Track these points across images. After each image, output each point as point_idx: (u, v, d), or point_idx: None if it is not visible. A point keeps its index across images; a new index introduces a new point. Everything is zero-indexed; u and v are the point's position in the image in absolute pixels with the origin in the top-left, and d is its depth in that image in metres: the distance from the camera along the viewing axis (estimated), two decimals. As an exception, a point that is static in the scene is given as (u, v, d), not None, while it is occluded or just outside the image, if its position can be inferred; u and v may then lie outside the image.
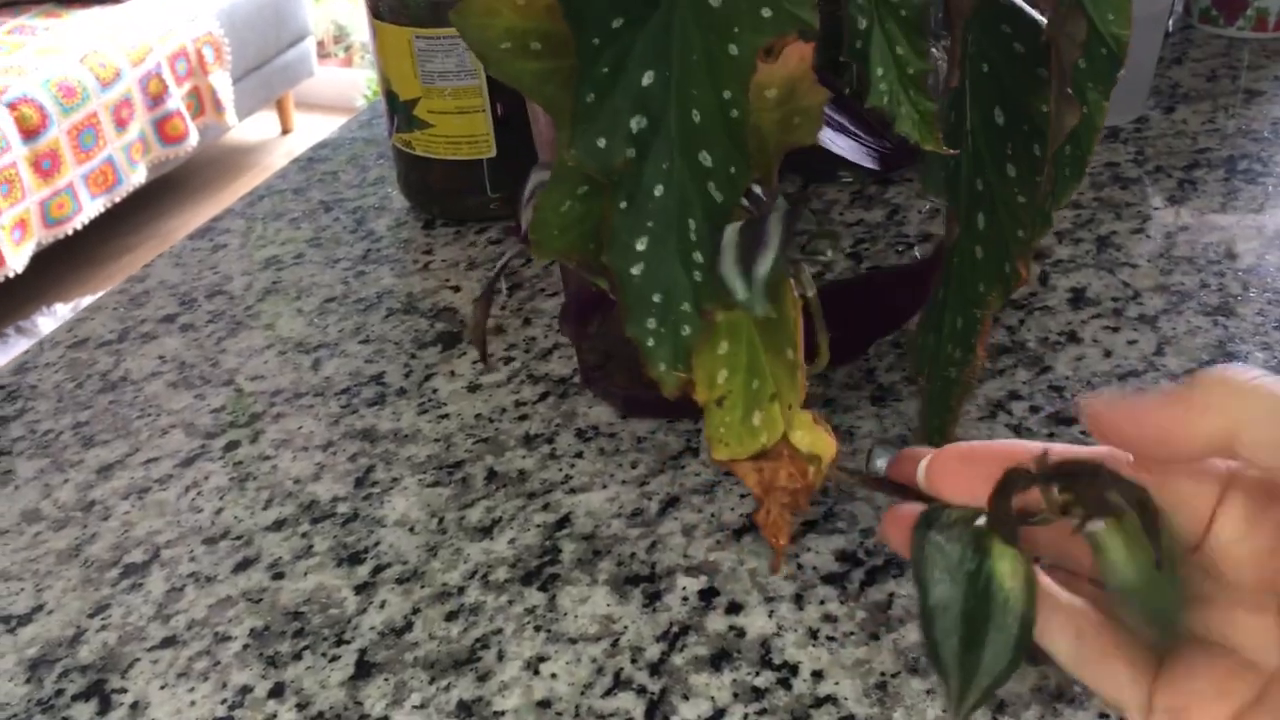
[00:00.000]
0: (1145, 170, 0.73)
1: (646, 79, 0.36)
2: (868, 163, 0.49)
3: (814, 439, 0.37)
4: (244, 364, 0.61)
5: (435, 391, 0.58)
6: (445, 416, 0.56)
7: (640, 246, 0.37)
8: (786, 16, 0.35)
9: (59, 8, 2.93)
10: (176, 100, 2.90)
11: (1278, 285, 0.61)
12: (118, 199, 2.80)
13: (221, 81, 3.01)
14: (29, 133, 2.56)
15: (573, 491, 0.51)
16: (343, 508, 0.51)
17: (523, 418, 0.56)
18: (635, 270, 0.37)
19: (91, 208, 2.73)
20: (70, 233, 2.68)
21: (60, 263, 2.80)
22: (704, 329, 0.37)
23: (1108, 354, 0.57)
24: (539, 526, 0.50)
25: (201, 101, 2.99)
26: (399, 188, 0.74)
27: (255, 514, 0.51)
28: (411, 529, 0.50)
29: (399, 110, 0.69)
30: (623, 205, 0.37)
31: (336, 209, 0.75)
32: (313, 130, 3.47)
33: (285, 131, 3.46)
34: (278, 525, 0.50)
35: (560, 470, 0.52)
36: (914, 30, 0.39)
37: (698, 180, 0.36)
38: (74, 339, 0.64)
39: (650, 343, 0.37)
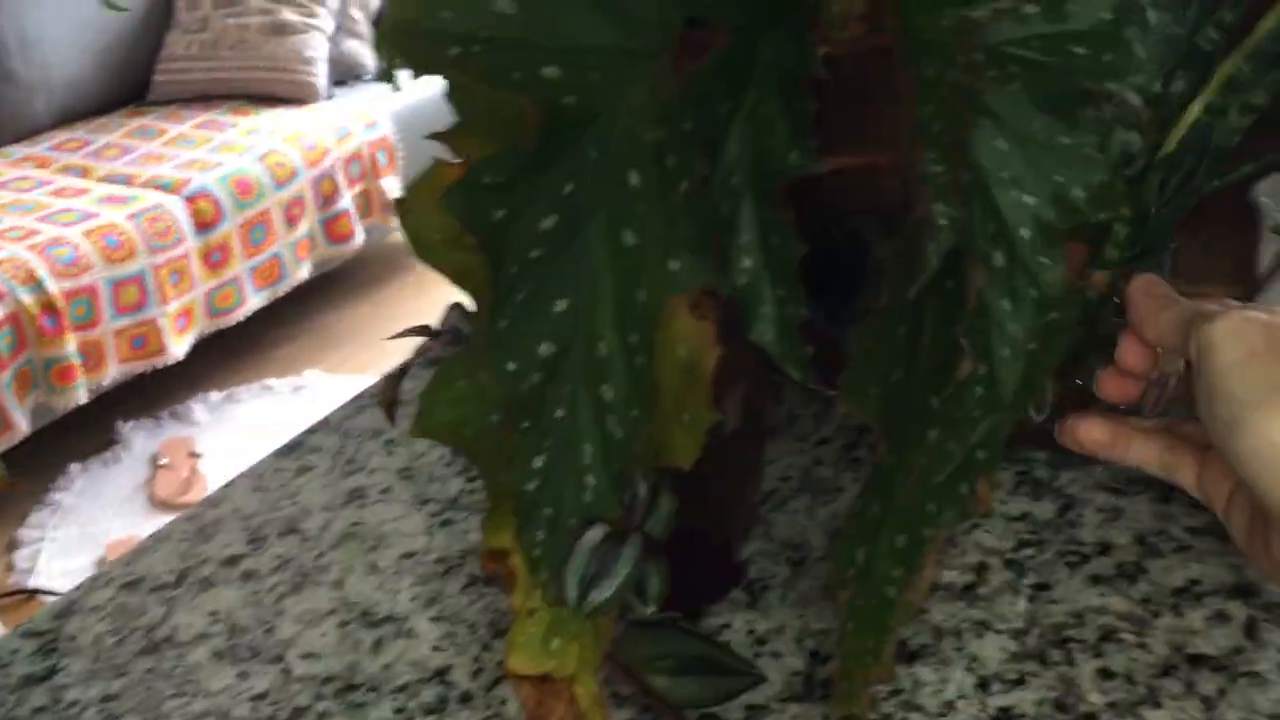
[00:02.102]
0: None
1: (560, 307, 0.39)
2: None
3: (593, 706, 0.41)
4: (300, 634, 0.54)
5: (504, 703, 0.50)
6: (510, 739, 0.48)
7: (537, 464, 0.40)
8: (692, 272, 0.39)
9: (248, 106, 3.04)
10: (347, 201, 2.96)
11: None
12: (280, 293, 2.86)
13: (392, 185, 3.07)
14: (204, 225, 2.64)
15: None
16: None
17: (599, 754, 0.47)
18: (530, 486, 0.40)
19: (254, 301, 2.79)
20: (231, 324, 2.74)
21: (217, 350, 2.86)
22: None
23: (1334, 761, 0.45)
24: None
25: (370, 202, 3.05)
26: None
27: None
28: None
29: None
30: (525, 425, 0.40)
31: (437, 432, 0.69)
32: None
33: (449, 235, 3.51)
34: None
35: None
36: (792, 274, 0.40)
37: (597, 411, 0.40)
38: (130, 576, 0.58)
39: (537, 553, 0.40)
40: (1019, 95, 0.42)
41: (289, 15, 3.03)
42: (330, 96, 3.09)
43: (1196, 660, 0.50)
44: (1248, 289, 0.65)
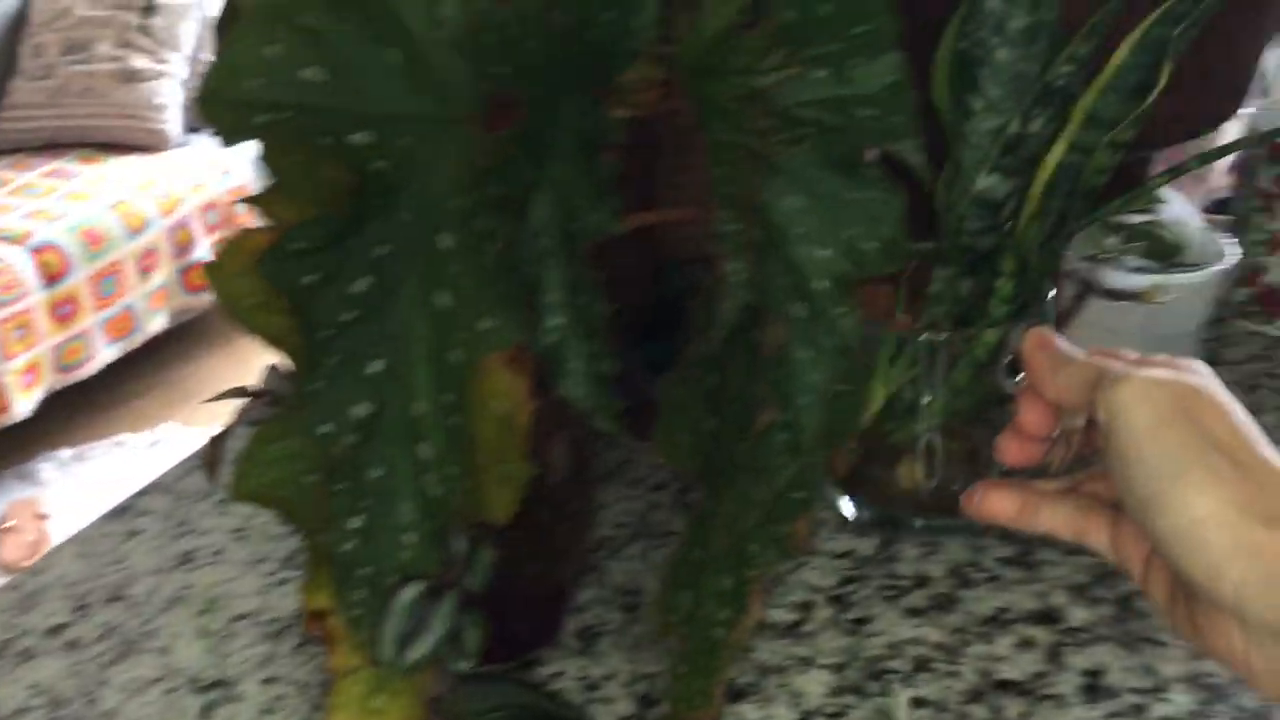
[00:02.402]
0: (1175, 509, 0.65)
1: (375, 368, 0.40)
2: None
3: None
4: (124, 704, 0.53)
5: (334, 762, 0.50)
6: (339, 800, 0.48)
7: (355, 524, 0.41)
8: (504, 331, 0.40)
9: (98, 154, 2.96)
10: (204, 250, 2.90)
11: (1328, 689, 0.52)
12: (134, 346, 2.78)
13: (251, 233, 3.02)
14: (51, 277, 2.56)
15: None
16: None
17: (429, 809, 0.47)
18: (348, 546, 0.41)
19: (106, 354, 2.71)
20: (82, 379, 2.66)
21: (67, 405, 2.76)
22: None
23: (1125, 775, 0.48)
24: None
25: (229, 251, 2.99)
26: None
27: None
28: None
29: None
30: (341, 486, 0.41)
31: (274, 489, 0.68)
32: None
33: (311, 282, 3.45)
34: None
35: None
36: (600, 331, 0.42)
37: (414, 470, 0.41)
38: (-55, 650, 0.57)
39: (355, 612, 0.41)
40: (810, 155, 0.44)
41: (139, 62, 2.97)
42: (184, 144, 3.03)
43: (1003, 685, 0.53)
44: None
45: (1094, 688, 0.53)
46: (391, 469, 0.41)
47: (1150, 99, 0.50)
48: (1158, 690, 0.52)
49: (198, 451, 0.71)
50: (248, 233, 0.42)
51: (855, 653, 0.55)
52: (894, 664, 0.54)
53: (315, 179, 0.42)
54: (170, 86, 2.99)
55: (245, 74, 0.41)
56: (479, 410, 0.42)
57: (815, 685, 0.53)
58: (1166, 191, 0.78)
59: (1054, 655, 0.55)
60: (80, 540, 0.64)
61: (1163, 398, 0.36)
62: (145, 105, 2.95)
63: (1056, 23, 0.52)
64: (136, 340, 2.78)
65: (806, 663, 0.55)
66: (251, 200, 0.43)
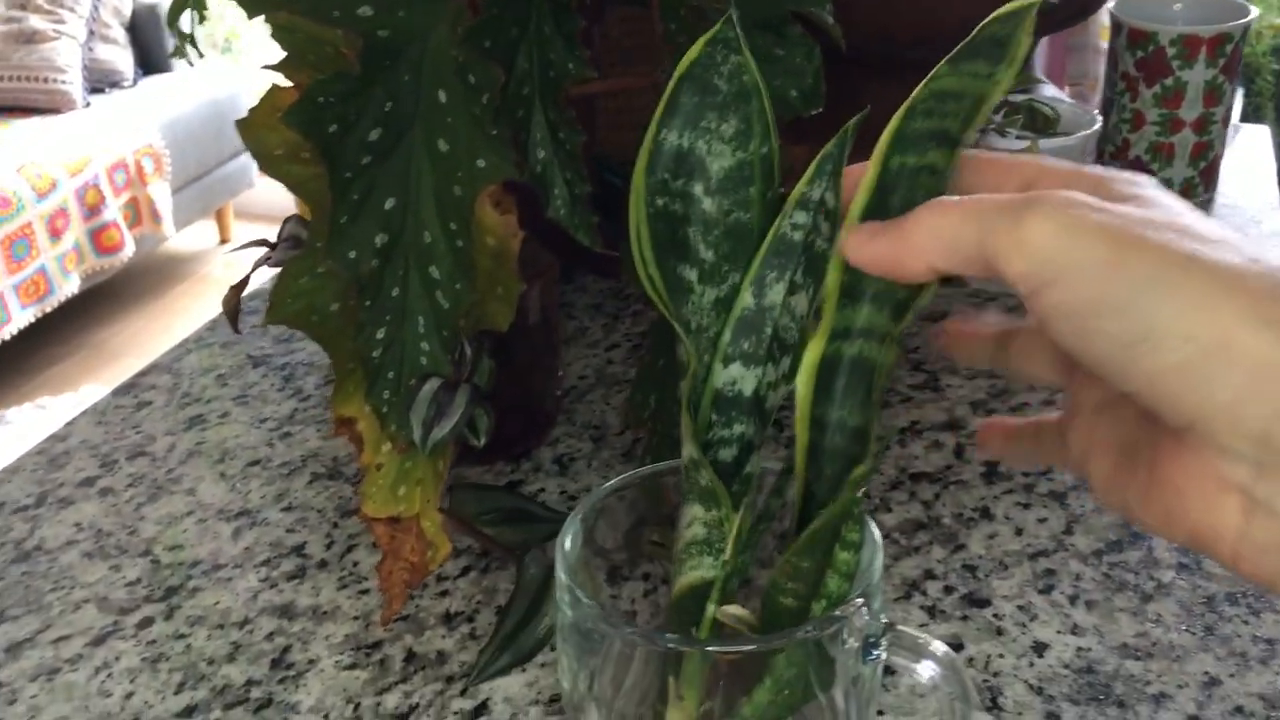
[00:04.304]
0: (1056, 339, 0.75)
1: (389, 204, 0.48)
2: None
3: (437, 533, 0.50)
4: (162, 532, 0.60)
5: (356, 564, 0.58)
6: (365, 592, 0.56)
7: (380, 335, 0.49)
8: (495, 168, 0.47)
9: (1, 117, 2.92)
10: (114, 211, 2.89)
11: (1181, 462, 0.63)
12: (48, 309, 2.77)
13: (160, 192, 3.02)
14: (-40, 242, 2.54)
15: (492, 675, 0.51)
16: (256, 692, 0.51)
17: (444, 593, 0.56)
18: (375, 353, 0.49)
19: (21, 318, 2.70)
20: (-2, 343, 2.65)
21: (-16, 372, 2.75)
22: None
23: (1019, 532, 0.58)
24: (456, 714, 0.49)
25: (139, 212, 2.98)
26: (328, 344, 0.75)
27: (166, 699, 0.50)
28: (326, 716, 0.49)
29: (330, 272, 0.70)
30: (367, 304, 0.48)
31: (265, 365, 0.75)
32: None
33: (223, 241, 3.46)
34: (188, 712, 0.50)
35: (480, 652, 0.52)
36: (577, 160, 0.51)
37: (427, 288, 0.49)
38: (-12, 503, 0.63)
39: (385, 409, 0.49)
40: (744, 18, 0.53)
41: (37, 23, 2.93)
42: (87, 105, 3.00)
43: (917, 477, 0.63)
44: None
45: (991, 474, 0.63)
46: (407, 288, 0.49)
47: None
48: (1044, 473, 0.63)
49: (191, 337, 0.78)
50: (276, 90, 0.49)
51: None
52: (826, 466, 0.64)
53: (323, 49, 0.50)
54: (70, 47, 2.96)
55: (267, -42, 0.48)
56: (478, 243, 0.51)
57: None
58: (1041, 75, 0.89)
59: (959, 453, 0.65)
60: (94, 412, 0.71)
61: (1102, 222, 0.27)
62: (46, 66, 2.92)
63: (774, 157, 0.35)
64: (51, 302, 2.77)
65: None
66: (272, 67, 0.50)
